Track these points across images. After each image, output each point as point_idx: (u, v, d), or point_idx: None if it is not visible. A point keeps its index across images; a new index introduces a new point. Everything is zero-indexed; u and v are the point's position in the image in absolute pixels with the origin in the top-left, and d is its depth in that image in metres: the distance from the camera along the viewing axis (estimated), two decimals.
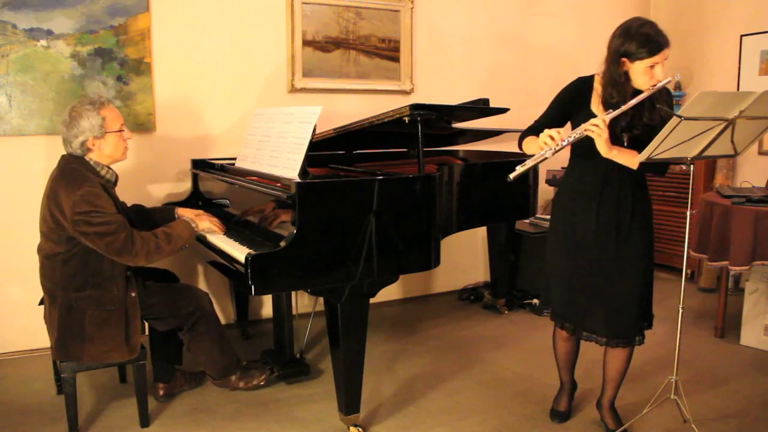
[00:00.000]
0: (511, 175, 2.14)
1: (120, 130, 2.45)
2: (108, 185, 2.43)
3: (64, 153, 2.44)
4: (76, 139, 2.36)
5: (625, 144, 2.21)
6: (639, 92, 2.16)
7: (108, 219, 2.29)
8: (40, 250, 2.44)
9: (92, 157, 2.41)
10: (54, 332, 2.38)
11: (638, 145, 2.16)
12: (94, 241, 2.29)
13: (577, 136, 2.12)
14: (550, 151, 2.09)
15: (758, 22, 4.43)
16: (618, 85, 2.18)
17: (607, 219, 2.30)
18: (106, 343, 2.38)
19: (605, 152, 2.13)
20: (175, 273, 2.96)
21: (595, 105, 2.26)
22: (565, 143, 2.10)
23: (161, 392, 2.76)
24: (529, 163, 2.12)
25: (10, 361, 3.21)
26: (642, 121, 2.20)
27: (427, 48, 4.17)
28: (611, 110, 2.13)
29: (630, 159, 2.17)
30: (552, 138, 2.09)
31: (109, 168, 2.47)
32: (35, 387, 2.91)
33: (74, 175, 2.34)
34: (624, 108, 2.11)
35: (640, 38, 2.11)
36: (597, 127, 2.08)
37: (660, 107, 2.17)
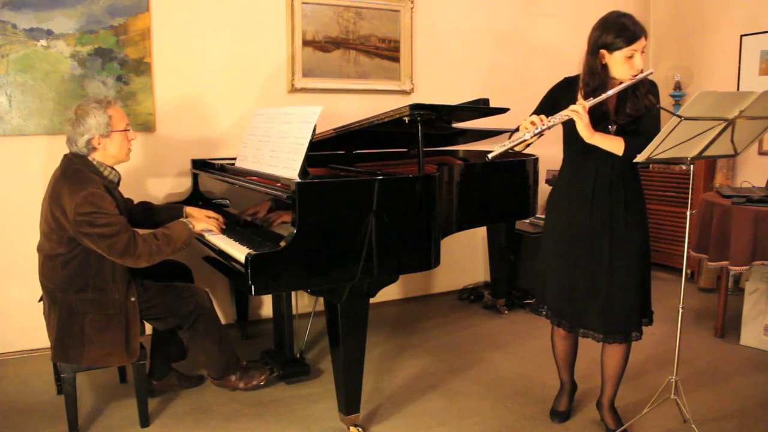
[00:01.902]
0: (490, 155, 2.22)
1: (125, 130, 2.46)
2: (111, 186, 2.43)
3: (67, 153, 2.43)
4: (82, 137, 2.36)
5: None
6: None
7: (111, 221, 2.28)
8: (40, 249, 2.43)
9: (96, 156, 2.41)
10: (53, 334, 2.38)
11: (625, 135, 2.22)
12: (96, 242, 2.28)
13: (557, 121, 2.18)
14: (529, 134, 2.17)
15: (758, 22, 4.43)
16: (594, 75, 2.23)
17: (600, 216, 2.31)
18: (106, 347, 2.38)
19: (587, 137, 2.18)
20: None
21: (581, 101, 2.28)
22: (545, 127, 2.17)
23: (150, 387, 2.76)
24: (507, 144, 2.21)
25: (10, 361, 3.21)
26: (625, 112, 2.24)
27: (427, 48, 4.17)
28: (592, 98, 2.18)
29: (614, 144, 2.20)
30: (533, 123, 2.18)
31: (113, 168, 2.47)
32: (35, 387, 2.91)
33: (77, 176, 2.33)
34: (604, 96, 2.16)
35: (616, 28, 2.17)
36: (576, 112, 2.14)
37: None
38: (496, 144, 2.24)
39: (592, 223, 2.32)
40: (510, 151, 2.28)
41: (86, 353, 2.36)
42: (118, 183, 2.51)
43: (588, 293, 2.35)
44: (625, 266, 2.31)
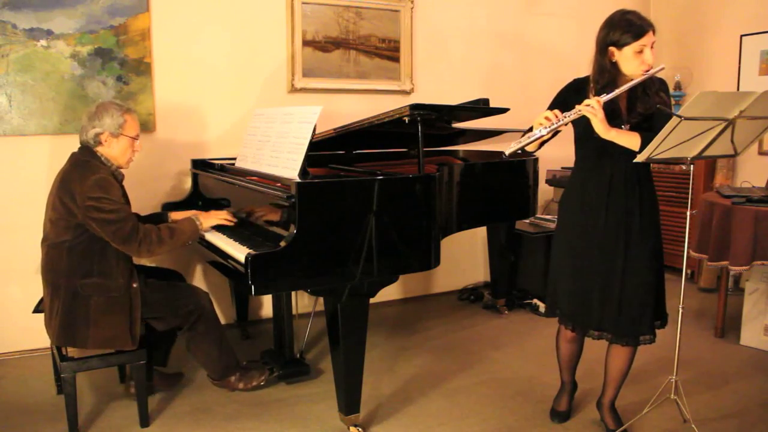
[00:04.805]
0: (507, 151, 2.22)
1: (134, 138, 2.54)
2: (117, 175, 2.52)
3: (74, 151, 2.51)
4: (93, 129, 2.45)
5: None
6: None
7: (117, 207, 2.37)
8: (44, 240, 2.48)
9: (102, 152, 2.49)
10: (57, 320, 2.40)
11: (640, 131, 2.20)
12: (102, 227, 2.34)
13: (572, 117, 2.17)
14: (545, 129, 2.17)
15: (758, 22, 4.43)
16: (604, 72, 2.22)
17: (616, 220, 2.29)
18: (111, 329, 2.41)
19: (603, 132, 2.16)
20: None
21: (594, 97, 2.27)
22: (560, 123, 2.17)
23: (132, 390, 2.75)
24: (523, 141, 2.21)
25: (10, 361, 3.21)
26: (637, 110, 2.23)
27: (427, 48, 4.17)
28: (605, 94, 2.17)
29: (630, 140, 2.18)
30: (548, 119, 2.18)
31: (117, 167, 2.54)
32: (35, 387, 2.91)
33: (87, 165, 2.43)
34: (618, 92, 2.15)
35: (623, 24, 2.17)
36: (591, 107, 2.12)
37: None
38: (500, 143, 2.23)
39: (607, 226, 2.30)
40: (522, 150, 2.29)
41: (92, 335, 2.39)
42: (121, 180, 2.56)
43: (602, 296, 2.33)
44: (640, 271, 2.30)
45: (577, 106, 2.16)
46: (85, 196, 2.32)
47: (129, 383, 2.76)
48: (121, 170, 2.57)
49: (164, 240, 2.46)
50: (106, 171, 2.43)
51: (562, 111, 2.24)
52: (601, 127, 2.15)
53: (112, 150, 2.49)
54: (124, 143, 2.51)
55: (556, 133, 2.30)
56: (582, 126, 2.25)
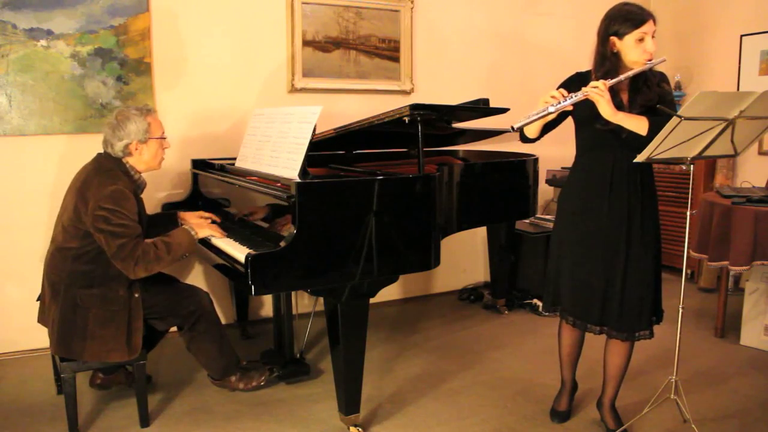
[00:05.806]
0: (515, 125, 2.22)
1: (161, 138, 2.54)
2: (137, 190, 2.51)
3: (101, 152, 2.51)
4: (120, 141, 2.44)
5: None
6: None
7: (127, 223, 2.34)
8: (53, 240, 2.49)
9: (129, 161, 2.49)
10: (55, 327, 2.39)
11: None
12: (107, 240, 2.33)
13: (579, 97, 2.16)
14: (552, 107, 2.17)
15: (758, 22, 4.43)
16: (605, 60, 2.23)
17: (618, 215, 2.29)
18: (108, 342, 2.40)
19: (610, 115, 2.14)
20: (176, 272, 2.96)
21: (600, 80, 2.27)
22: (566, 102, 2.17)
23: (98, 381, 2.79)
24: (531, 117, 2.21)
25: (10, 361, 3.21)
26: (637, 103, 2.23)
27: (427, 48, 4.17)
28: (610, 78, 2.17)
29: (638, 123, 2.16)
30: (554, 97, 2.19)
31: (141, 175, 2.54)
32: (35, 387, 2.91)
33: (110, 173, 2.41)
34: (622, 77, 2.16)
35: (623, 14, 2.19)
36: (597, 89, 2.12)
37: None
38: (500, 142, 2.24)
39: (610, 224, 2.30)
40: (523, 138, 2.27)
41: (88, 347, 2.38)
42: (142, 190, 2.56)
43: (604, 293, 2.33)
44: (640, 266, 2.30)
45: (584, 89, 2.15)
46: (97, 204, 2.31)
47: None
48: (145, 180, 2.56)
49: (161, 258, 2.40)
50: (126, 183, 2.41)
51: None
52: (608, 110, 2.13)
53: (143, 156, 2.49)
54: (154, 146, 2.51)
55: (562, 118, 2.30)
56: (587, 110, 2.21)
